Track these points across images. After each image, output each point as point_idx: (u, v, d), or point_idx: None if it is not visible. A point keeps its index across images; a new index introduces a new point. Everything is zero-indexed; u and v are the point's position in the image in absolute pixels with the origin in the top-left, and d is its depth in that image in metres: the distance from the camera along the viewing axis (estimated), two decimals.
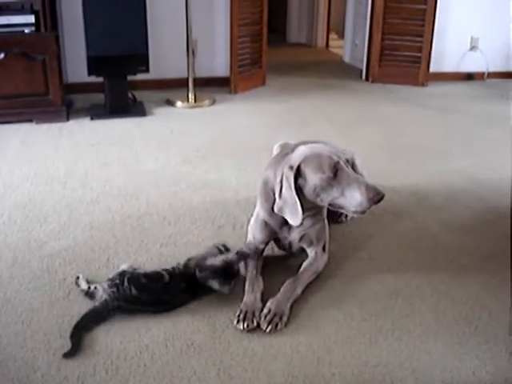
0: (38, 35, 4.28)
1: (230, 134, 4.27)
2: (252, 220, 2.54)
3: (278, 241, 2.53)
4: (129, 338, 2.01)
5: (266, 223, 2.45)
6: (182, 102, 5.01)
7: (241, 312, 2.13)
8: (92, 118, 4.54)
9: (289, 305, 2.19)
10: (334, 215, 2.84)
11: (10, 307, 2.18)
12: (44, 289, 2.29)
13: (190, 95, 5.08)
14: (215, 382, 1.84)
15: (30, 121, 4.37)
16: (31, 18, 4.23)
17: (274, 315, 2.12)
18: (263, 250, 2.51)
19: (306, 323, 2.13)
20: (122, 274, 2.18)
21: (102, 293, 2.14)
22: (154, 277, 2.21)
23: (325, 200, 2.24)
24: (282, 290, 2.24)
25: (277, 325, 2.09)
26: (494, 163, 3.75)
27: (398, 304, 2.25)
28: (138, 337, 2.02)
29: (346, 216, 2.89)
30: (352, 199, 2.17)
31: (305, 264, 2.41)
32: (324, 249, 2.48)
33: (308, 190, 2.23)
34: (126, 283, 2.13)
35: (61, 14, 5.01)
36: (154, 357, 1.93)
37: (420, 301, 2.28)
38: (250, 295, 2.21)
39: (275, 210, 2.31)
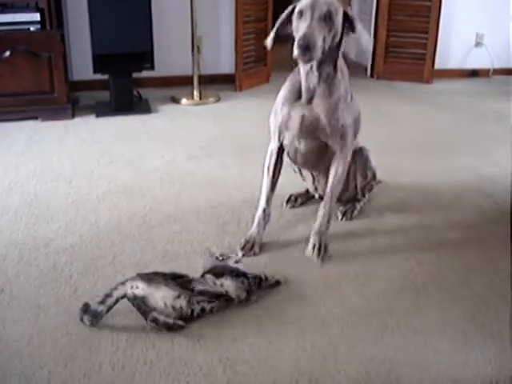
0: (44, 33, 4.28)
1: (235, 131, 4.27)
2: (272, 111, 2.64)
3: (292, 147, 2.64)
4: (135, 335, 2.01)
5: (287, 98, 2.56)
6: (187, 99, 5.02)
7: (246, 242, 2.57)
8: (97, 116, 4.55)
9: (327, 235, 2.58)
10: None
11: (16, 304, 2.18)
12: (50, 286, 2.30)
13: (194, 92, 5.08)
14: (221, 378, 1.84)
15: (36, 118, 4.38)
16: (36, 16, 4.24)
17: (319, 248, 2.53)
18: (281, 152, 2.68)
19: (312, 320, 2.13)
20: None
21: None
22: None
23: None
24: (318, 220, 2.61)
25: (324, 254, 2.52)
26: (499, 160, 3.74)
27: (403, 301, 2.25)
28: (143, 334, 2.03)
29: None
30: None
31: (330, 178, 2.61)
32: (346, 140, 2.56)
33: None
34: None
35: (66, 12, 5.02)
36: (159, 354, 1.94)
37: (425, 298, 2.28)
38: (255, 228, 2.63)
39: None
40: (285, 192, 2.90)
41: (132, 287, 2.03)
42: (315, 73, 2.46)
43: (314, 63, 2.42)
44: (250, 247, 2.57)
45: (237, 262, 2.34)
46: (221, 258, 2.32)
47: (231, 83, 5.43)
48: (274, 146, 2.67)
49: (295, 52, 2.27)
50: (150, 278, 2.08)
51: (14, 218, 2.87)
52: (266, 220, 2.67)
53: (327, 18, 2.29)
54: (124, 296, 2.04)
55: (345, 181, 2.76)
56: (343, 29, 2.41)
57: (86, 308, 2.06)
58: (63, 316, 2.11)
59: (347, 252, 2.60)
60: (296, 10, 2.34)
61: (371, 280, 2.39)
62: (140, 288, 2.02)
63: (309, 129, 2.52)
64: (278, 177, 2.71)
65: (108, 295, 2.04)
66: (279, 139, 2.62)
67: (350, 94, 2.60)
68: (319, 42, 2.26)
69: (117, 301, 2.04)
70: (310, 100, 2.50)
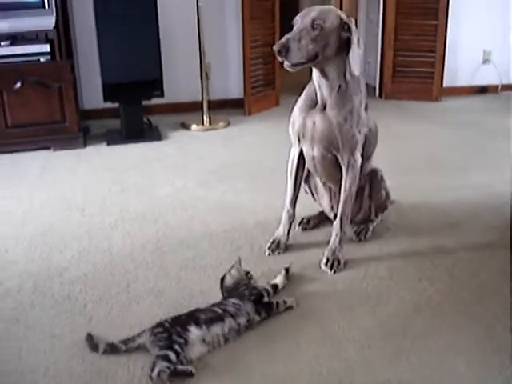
0: (54, 64, 4.35)
1: (246, 156, 4.29)
2: (290, 122, 2.73)
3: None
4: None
5: (302, 107, 2.67)
6: (197, 125, 5.05)
7: (272, 242, 2.78)
8: (108, 144, 4.59)
9: (342, 249, 2.67)
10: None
11: (31, 334, 2.20)
12: (65, 315, 2.31)
13: (204, 118, 5.11)
14: None
15: (48, 148, 4.42)
16: (46, 47, 4.30)
17: (333, 262, 2.61)
18: (303, 155, 2.73)
19: (327, 344, 2.12)
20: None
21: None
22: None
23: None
24: (332, 237, 2.68)
25: (337, 268, 2.60)
26: (508, 176, 3.73)
27: (418, 322, 2.25)
28: None
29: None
30: None
31: (341, 194, 2.67)
32: (354, 153, 2.60)
33: None
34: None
35: (75, 42, 5.08)
36: (175, 382, 1.92)
37: (440, 318, 2.27)
38: (280, 229, 2.82)
39: None
40: (297, 215, 2.90)
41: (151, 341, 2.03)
42: (323, 80, 2.53)
43: (316, 69, 2.52)
44: (276, 246, 2.78)
45: (255, 281, 2.38)
46: (249, 276, 2.36)
47: (240, 108, 5.46)
48: (295, 150, 2.76)
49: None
50: (160, 336, 2.03)
51: (28, 247, 2.89)
52: (290, 220, 2.82)
53: (314, 26, 2.37)
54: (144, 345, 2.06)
55: (359, 201, 2.80)
56: (347, 40, 2.44)
57: (89, 338, 2.10)
58: (78, 345, 2.11)
59: (359, 273, 2.60)
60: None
61: (385, 301, 2.39)
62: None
63: (321, 135, 2.58)
64: (301, 180, 2.86)
65: (130, 340, 2.07)
66: (299, 143, 2.70)
67: (365, 108, 2.64)
68: (294, 48, 2.35)
69: (138, 347, 2.06)
70: (323, 108, 2.57)
